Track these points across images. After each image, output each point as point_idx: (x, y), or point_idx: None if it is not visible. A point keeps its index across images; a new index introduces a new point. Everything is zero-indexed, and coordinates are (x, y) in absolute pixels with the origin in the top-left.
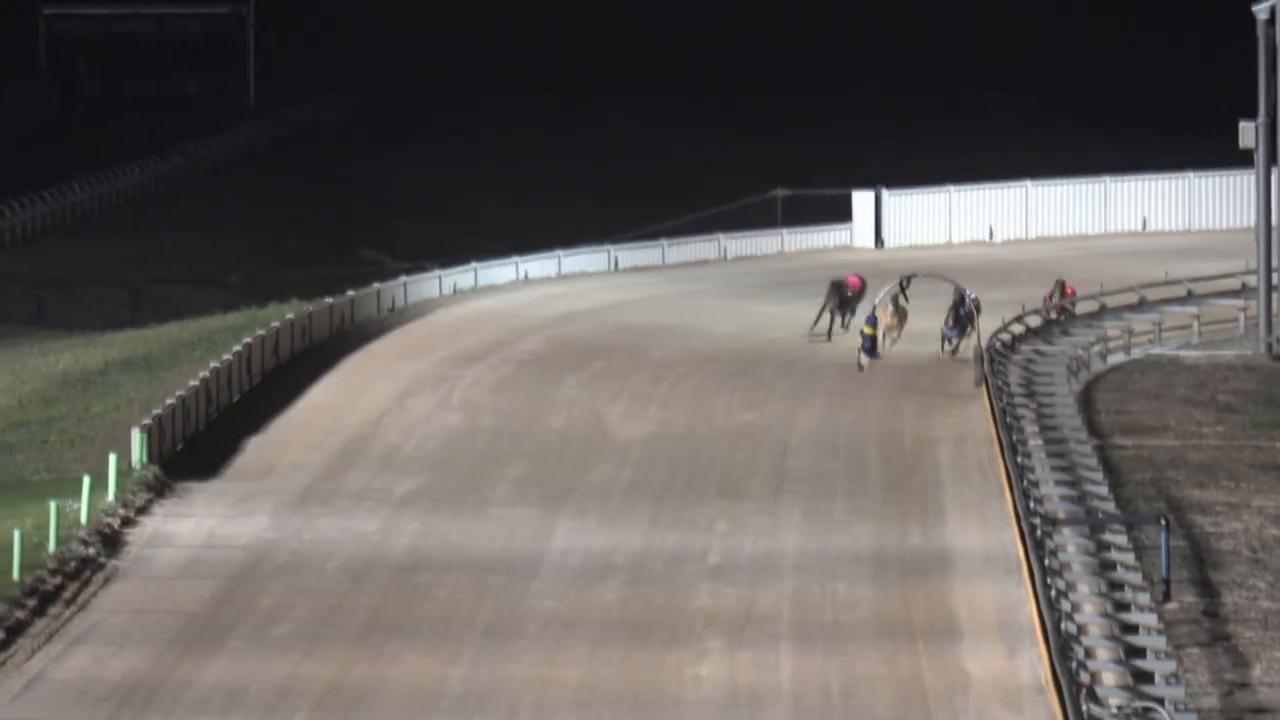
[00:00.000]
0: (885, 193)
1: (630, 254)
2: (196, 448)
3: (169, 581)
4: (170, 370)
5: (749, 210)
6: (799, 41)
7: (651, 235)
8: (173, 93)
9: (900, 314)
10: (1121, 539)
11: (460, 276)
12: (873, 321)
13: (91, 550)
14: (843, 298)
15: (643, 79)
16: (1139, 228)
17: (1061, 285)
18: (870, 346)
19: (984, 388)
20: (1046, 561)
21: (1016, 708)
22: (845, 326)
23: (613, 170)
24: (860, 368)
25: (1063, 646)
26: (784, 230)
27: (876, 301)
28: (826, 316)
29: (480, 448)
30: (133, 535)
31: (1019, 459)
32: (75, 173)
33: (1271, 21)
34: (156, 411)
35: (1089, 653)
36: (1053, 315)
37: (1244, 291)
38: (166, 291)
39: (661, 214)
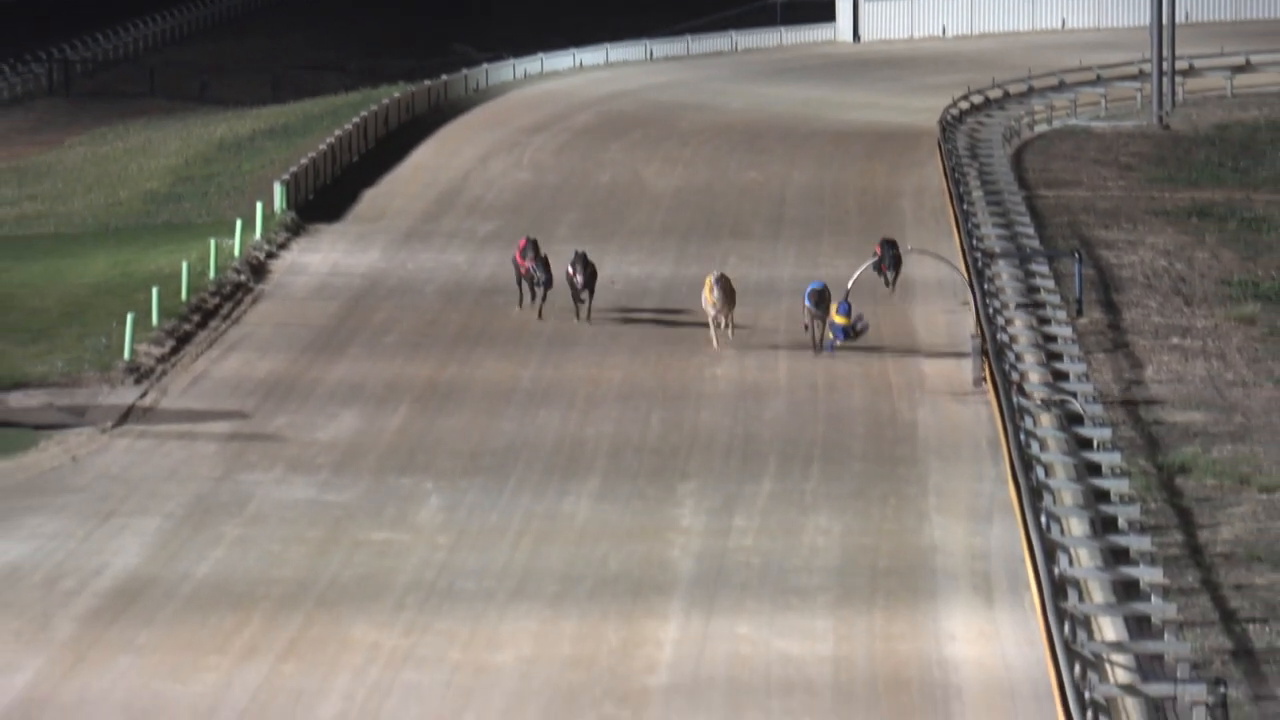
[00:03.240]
0: None
1: (662, 47)
2: (324, 197)
3: (303, 301)
4: (304, 137)
5: (754, 12)
6: None
7: (678, 31)
8: None
9: (727, 294)
10: (1044, 269)
11: (529, 64)
12: (845, 310)
13: (242, 277)
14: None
15: None
16: (1060, 26)
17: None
18: (841, 334)
19: (987, 379)
20: (986, 287)
21: (961, 399)
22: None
23: None
24: (817, 347)
25: (999, 352)
26: (782, 28)
27: (849, 284)
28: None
29: (544, 198)
30: (275, 265)
31: (965, 206)
32: None
33: None
34: (293, 169)
35: (1019, 357)
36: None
37: (1141, 76)
38: (300, 75)
39: (687, 14)
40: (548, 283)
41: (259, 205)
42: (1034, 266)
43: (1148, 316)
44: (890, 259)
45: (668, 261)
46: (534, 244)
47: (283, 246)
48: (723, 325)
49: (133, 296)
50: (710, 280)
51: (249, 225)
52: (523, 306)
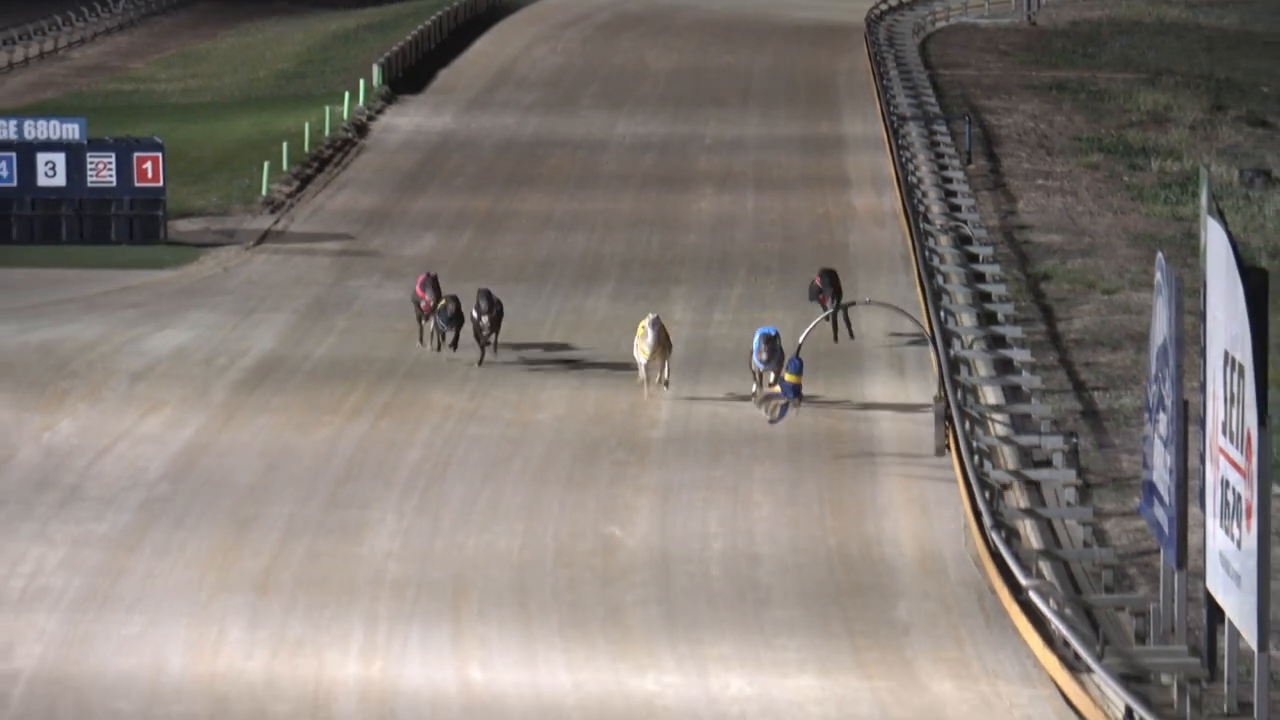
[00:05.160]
0: None
1: None
2: (411, 75)
3: (394, 153)
4: (395, 31)
5: None
6: None
7: None
8: None
9: (661, 340)
10: (943, 128)
11: None
12: (796, 367)
13: (349, 135)
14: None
15: None
16: None
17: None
18: (793, 393)
19: (948, 443)
20: (899, 143)
21: (882, 224)
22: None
23: None
24: (770, 413)
25: (909, 190)
26: None
27: (800, 340)
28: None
29: (573, 76)
30: (374, 126)
31: (884, 82)
32: None
33: None
34: (388, 54)
35: (923, 194)
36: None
37: None
38: None
39: None
40: (457, 322)
41: (362, 81)
42: (935, 127)
43: (1019, 164)
44: (831, 293)
45: (665, 122)
46: (434, 281)
47: (379, 112)
48: (656, 376)
49: (268, 149)
50: (644, 325)
51: (354, 96)
52: (423, 343)
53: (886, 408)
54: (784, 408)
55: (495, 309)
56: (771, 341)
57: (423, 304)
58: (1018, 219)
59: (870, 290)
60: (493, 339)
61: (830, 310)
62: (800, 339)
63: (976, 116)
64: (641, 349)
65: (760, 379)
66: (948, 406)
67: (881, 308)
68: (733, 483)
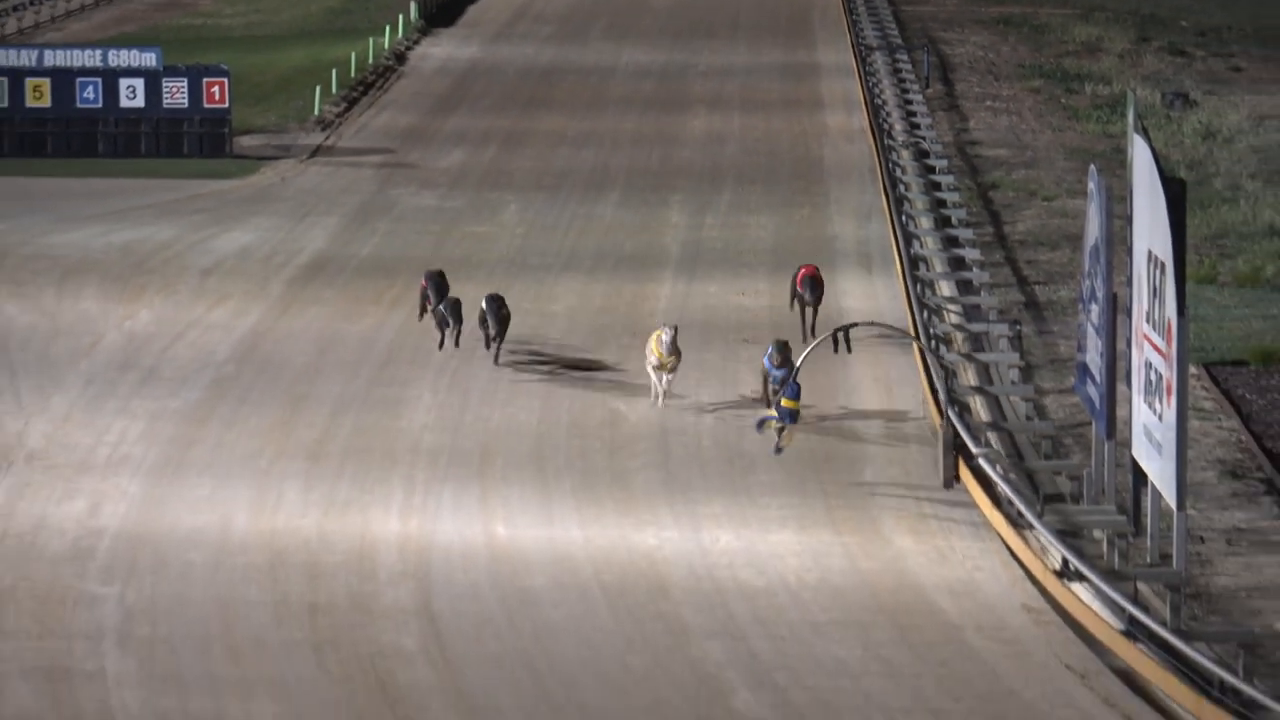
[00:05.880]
0: None
1: None
2: (444, 11)
3: (429, 78)
4: None
5: None
6: None
7: None
8: None
9: (674, 350)
10: (904, 57)
11: None
12: (794, 392)
13: (390, 63)
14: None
15: None
16: None
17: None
18: (789, 418)
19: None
20: (866, 70)
21: (852, 140)
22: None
23: None
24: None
25: (875, 111)
26: None
27: (797, 364)
28: None
29: (584, 12)
30: (411, 55)
31: (853, 17)
32: None
33: None
34: None
35: (887, 113)
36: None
37: None
38: None
39: None
40: (457, 321)
41: (401, 16)
42: (898, 56)
43: (971, 88)
44: (810, 289)
45: (663, 52)
46: (438, 278)
47: (416, 43)
48: (664, 380)
49: (320, 75)
50: (658, 334)
51: (394, 29)
52: (442, 348)
53: (855, 295)
54: (780, 431)
55: (501, 315)
56: (783, 348)
57: (426, 299)
58: (969, 136)
59: (840, 199)
60: (497, 343)
61: (829, 334)
62: (798, 363)
63: (934, 47)
64: (658, 354)
65: (767, 384)
66: (956, 434)
67: (874, 317)
68: (721, 364)
